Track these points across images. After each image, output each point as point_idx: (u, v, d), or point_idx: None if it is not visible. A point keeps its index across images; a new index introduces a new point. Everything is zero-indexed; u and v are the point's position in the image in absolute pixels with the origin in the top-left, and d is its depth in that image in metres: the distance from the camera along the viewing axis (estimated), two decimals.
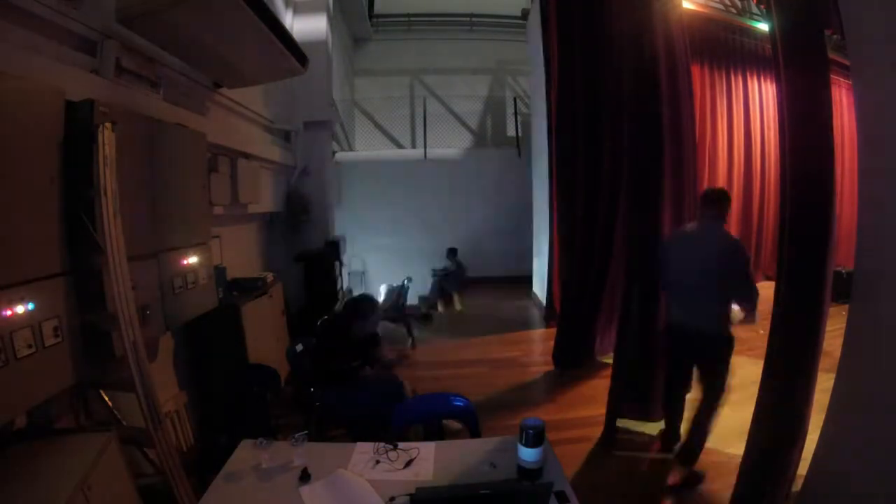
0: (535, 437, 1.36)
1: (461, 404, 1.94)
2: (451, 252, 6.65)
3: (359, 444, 1.60)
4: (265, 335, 3.43)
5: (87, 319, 1.72)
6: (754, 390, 1.95)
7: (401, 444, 1.58)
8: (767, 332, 1.91)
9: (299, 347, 2.73)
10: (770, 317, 1.89)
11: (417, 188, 7.58)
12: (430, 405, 2.03)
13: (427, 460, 1.51)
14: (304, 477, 1.40)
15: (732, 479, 2.04)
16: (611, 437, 2.79)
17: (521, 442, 1.38)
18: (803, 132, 1.72)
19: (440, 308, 6.13)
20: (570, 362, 3.95)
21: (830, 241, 1.72)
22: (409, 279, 5.35)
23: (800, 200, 1.75)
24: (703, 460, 2.57)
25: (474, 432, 1.87)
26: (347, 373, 2.57)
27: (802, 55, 1.71)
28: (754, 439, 1.95)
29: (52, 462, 1.48)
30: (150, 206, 2.17)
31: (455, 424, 2.35)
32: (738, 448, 2.09)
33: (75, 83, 1.86)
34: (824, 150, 1.69)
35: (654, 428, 2.89)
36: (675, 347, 2.53)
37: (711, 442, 2.72)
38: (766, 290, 2.08)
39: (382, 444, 1.58)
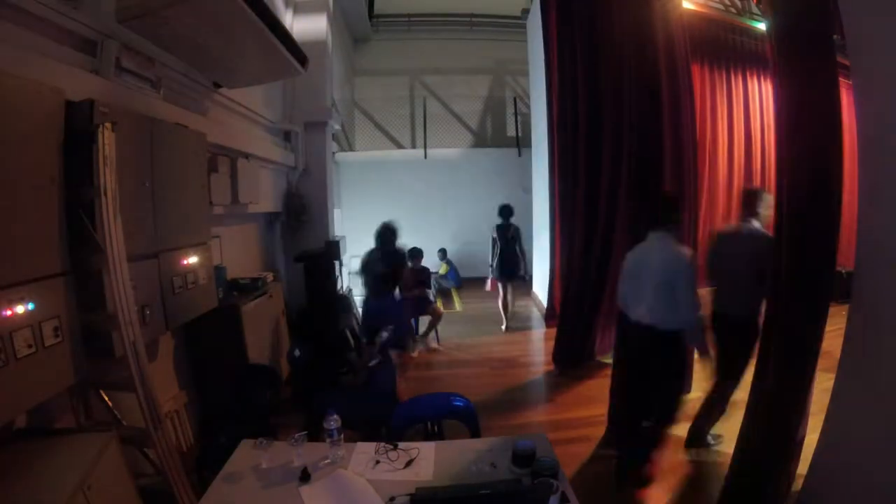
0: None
1: (461, 404, 1.94)
2: (441, 252, 6.63)
3: (359, 444, 1.60)
4: (265, 335, 3.43)
5: (87, 319, 1.72)
6: None
7: (401, 444, 1.58)
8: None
9: (297, 353, 2.74)
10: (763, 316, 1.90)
11: (417, 188, 7.58)
12: (431, 405, 2.03)
13: (427, 460, 1.51)
14: (304, 477, 1.40)
15: None
16: (613, 436, 2.80)
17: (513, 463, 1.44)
18: (810, 131, 1.72)
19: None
20: (570, 362, 3.95)
21: (835, 240, 1.72)
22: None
23: (805, 200, 1.74)
24: (705, 460, 2.58)
25: (474, 432, 1.87)
26: (332, 378, 2.60)
27: (808, 56, 1.71)
28: (745, 440, 1.95)
29: (52, 462, 1.48)
30: (150, 206, 2.17)
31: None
32: None
33: (75, 83, 1.86)
34: (830, 149, 1.68)
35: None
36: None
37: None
38: None
39: (382, 444, 1.58)
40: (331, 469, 1.46)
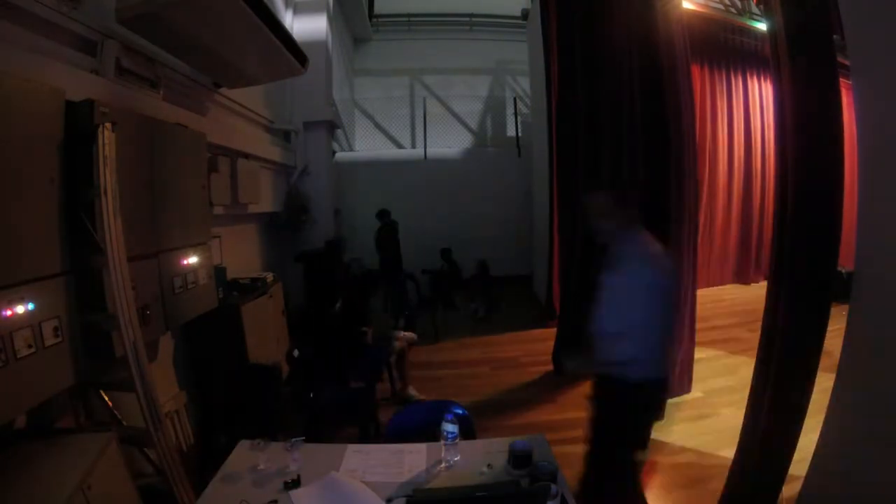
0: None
1: (461, 413, 1.87)
2: (445, 252, 6.63)
3: (351, 445, 1.59)
4: (265, 335, 3.43)
5: (87, 319, 1.72)
6: None
7: (395, 446, 1.57)
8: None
9: (296, 353, 2.75)
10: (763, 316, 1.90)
11: (417, 188, 7.58)
12: (426, 415, 1.95)
13: (422, 462, 1.50)
14: (294, 484, 1.38)
15: None
16: None
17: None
18: (810, 131, 1.72)
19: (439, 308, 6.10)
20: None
21: (835, 240, 1.72)
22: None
23: (805, 200, 1.74)
24: (704, 460, 2.58)
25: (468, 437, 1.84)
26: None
27: (808, 56, 1.71)
28: (748, 441, 1.95)
29: (52, 462, 1.48)
30: (150, 206, 2.17)
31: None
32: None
33: (75, 83, 1.86)
34: (830, 149, 1.68)
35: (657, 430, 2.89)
36: None
37: (709, 443, 2.73)
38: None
39: (376, 444, 1.57)
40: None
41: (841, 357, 1.64)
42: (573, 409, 3.27)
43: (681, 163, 2.96)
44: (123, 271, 1.79)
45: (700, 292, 3.59)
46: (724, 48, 6.36)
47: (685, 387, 3.30)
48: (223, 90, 3.46)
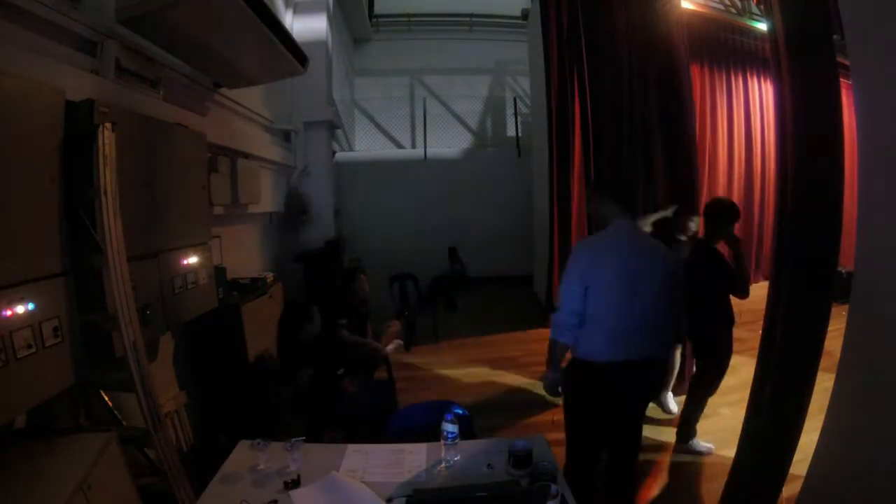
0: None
1: (460, 413, 1.89)
2: (452, 252, 6.64)
3: (351, 445, 1.59)
4: (265, 335, 3.43)
5: (87, 319, 1.72)
6: None
7: (395, 446, 1.57)
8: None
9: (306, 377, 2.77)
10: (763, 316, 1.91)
11: (417, 188, 7.58)
12: (427, 415, 1.97)
13: (422, 461, 1.50)
14: (294, 483, 1.38)
15: None
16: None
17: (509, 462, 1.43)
18: (810, 131, 1.72)
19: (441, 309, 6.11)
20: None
21: (835, 241, 1.72)
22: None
23: (805, 200, 1.74)
24: (703, 460, 2.58)
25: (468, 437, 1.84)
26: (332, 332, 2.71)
27: (808, 56, 1.71)
28: (748, 440, 1.95)
29: (52, 462, 1.48)
30: (150, 206, 2.17)
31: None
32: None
33: (75, 83, 1.86)
34: (830, 149, 1.68)
35: (656, 432, 2.89)
36: None
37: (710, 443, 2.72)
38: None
39: (375, 445, 1.57)
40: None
41: (841, 357, 1.64)
42: None
43: (680, 162, 2.97)
44: (123, 271, 1.79)
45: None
46: (724, 48, 6.35)
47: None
48: (223, 90, 3.46)
